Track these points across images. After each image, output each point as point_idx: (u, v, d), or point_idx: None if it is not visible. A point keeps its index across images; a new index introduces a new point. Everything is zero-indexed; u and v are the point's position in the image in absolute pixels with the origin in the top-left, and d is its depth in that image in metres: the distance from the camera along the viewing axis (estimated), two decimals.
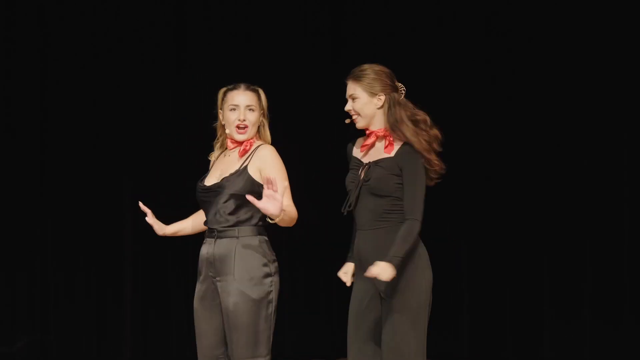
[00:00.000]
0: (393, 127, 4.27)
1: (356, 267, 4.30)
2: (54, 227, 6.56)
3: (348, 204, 4.26)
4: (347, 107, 4.32)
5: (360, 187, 4.25)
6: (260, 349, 4.13)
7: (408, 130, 4.23)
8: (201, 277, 4.29)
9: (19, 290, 6.51)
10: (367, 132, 4.35)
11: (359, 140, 4.40)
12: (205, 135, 6.31)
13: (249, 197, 4.04)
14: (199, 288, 4.30)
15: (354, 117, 4.33)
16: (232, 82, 4.34)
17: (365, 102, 4.30)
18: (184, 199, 6.50)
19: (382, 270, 4.03)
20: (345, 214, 4.27)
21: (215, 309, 4.21)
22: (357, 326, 4.26)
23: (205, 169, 4.42)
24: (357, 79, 4.30)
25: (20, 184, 6.53)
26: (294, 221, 4.18)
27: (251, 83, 4.33)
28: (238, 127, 4.28)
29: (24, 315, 6.50)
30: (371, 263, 4.10)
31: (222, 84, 4.34)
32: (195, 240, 6.48)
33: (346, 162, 4.35)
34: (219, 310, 4.21)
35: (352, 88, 4.32)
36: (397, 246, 4.11)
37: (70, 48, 6.56)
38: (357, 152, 4.37)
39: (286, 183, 4.14)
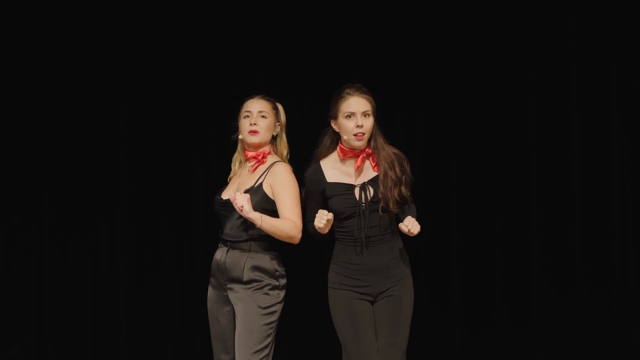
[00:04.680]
0: (380, 147, 4.41)
1: (341, 278, 4.37)
2: (48, 228, 6.51)
3: (364, 226, 4.33)
4: (362, 122, 4.34)
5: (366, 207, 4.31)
6: (258, 355, 4.23)
7: (390, 149, 4.43)
8: (214, 282, 4.44)
9: (12, 294, 6.48)
10: (356, 152, 4.40)
11: (327, 165, 4.44)
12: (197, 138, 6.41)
13: (231, 197, 4.22)
14: (211, 292, 4.47)
15: (362, 134, 4.36)
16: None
17: (372, 122, 4.36)
18: (180, 200, 6.56)
19: (415, 225, 4.28)
20: (363, 237, 4.33)
21: (226, 316, 4.36)
22: (359, 334, 4.33)
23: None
24: (370, 97, 4.42)
25: (15, 182, 6.47)
26: (293, 239, 4.32)
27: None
28: (250, 132, 4.37)
29: (18, 319, 6.46)
30: (376, 274, 4.32)
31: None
32: (192, 243, 6.52)
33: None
34: (229, 317, 4.38)
35: (366, 105, 4.39)
36: (413, 213, 4.42)
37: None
38: (334, 177, 4.41)
39: (297, 200, 4.33)
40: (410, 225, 4.28)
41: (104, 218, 6.53)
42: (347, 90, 4.39)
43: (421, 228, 4.37)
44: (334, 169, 4.41)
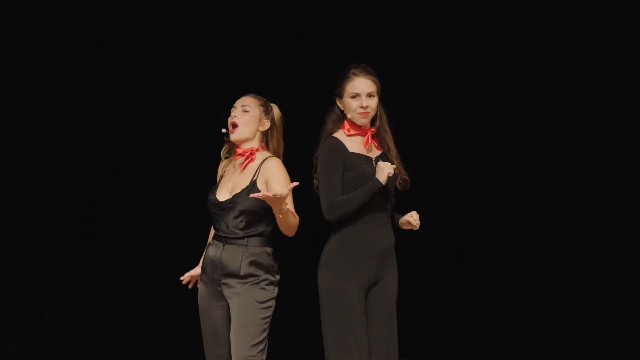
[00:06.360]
0: (384, 127, 4.43)
1: (350, 267, 4.31)
2: (48, 228, 6.52)
3: (388, 197, 4.36)
4: (366, 103, 4.37)
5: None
6: (255, 349, 4.22)
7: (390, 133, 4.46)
8: (205, 278, 4.39)
9: (12, 293, 6.48)
10: (362, 128, 4.42)
11: (345, 137, 4.43)
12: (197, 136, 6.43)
13: (256, 195, 4.13)
14: (203, 288, 4.43)
15: (365, 113, 4.37)
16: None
17: (377, 102, 4.38)
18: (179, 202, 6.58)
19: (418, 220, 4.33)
20: (387, 209, 4.36)
21: (219, 311, 4.34)
22: (362, 327, 4.29)
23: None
24: (375, 77, 4.42)
25: (15, 181, 6.47)
26: (293, 230, 4.29)
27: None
28: (231, 124, 4.32)
29: (17, 318, 6.46)
30: (383, 258, 4.29)
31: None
32: (191, 243, 6.53)
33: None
34: (222, 312, 4.34)
35: (371, 86, 4.41)
36: None
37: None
38: (353, 147, 4.41)
39: (288, 192, 4.19)
40: (417, 218, 4.32)
41: (104, 218, 6.54)
42: (353, 71, 4.40)
43: (421, 228, 4.37)
44: (349, 142, 4.40)
